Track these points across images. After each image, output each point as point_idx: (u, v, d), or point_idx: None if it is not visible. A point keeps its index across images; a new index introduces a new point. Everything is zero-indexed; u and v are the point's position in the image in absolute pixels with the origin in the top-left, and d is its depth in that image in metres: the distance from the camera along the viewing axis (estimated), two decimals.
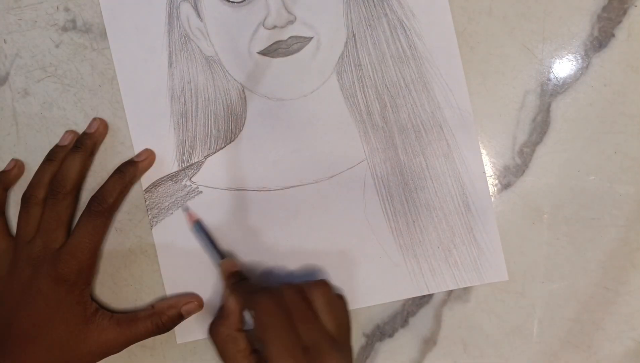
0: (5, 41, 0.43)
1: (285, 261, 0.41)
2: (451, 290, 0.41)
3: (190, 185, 0.41)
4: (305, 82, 0.41)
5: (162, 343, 0.42)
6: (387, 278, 0.40)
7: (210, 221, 0.41)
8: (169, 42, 0.41)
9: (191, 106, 0.41)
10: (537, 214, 0.40)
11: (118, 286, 0.42)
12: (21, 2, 0.43)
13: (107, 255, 0.42)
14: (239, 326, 0.36)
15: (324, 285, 0.36)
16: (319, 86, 0.41)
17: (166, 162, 0.41)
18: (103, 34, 0.42)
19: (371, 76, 0.40)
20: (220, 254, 0.40)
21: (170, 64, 0.41)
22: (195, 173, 0.41)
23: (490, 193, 0.41)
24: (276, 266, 0.41)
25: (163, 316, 0.40)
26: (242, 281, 0.38)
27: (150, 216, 0.41)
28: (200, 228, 0.40)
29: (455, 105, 0.40)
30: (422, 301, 0.41)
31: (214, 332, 0.36)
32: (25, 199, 0.40)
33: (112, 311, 0.40)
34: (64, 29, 0.42)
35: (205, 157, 0.41)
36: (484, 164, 0.40)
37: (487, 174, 0.41)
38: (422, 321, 0.41)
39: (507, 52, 0.40)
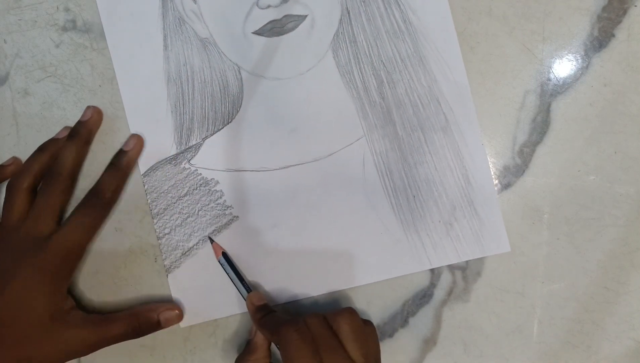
0: (5, 41, 0.43)
1: (285, 241, 0.41)
2: (451, 290, 0.41)
3: (189, 168, 0.41)
4: (301, 60, 0.41)
5: (162, 343, 0.42)
6: (389, 254, 0.40)
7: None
8: (164, 26, 0.41)
9: (188, 89, 0.41)
10: (537, 214, 0.40)
11: (118, 286, 0.42)
12: (21, 2, 0.43)
13: (107, 255, 0.42)
14: (267, 360, 0.37)
15: (350, 313, 0.35)
16: (315, 64, 0.41)
17: (164, 145, 0.41)
18: (103, 34, 0.42)
19: (367, 52, 0.40)
20: (246, 287, 0.40)
21: (165, 47, 0.41)
22: (194, 155, 0.41)
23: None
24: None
25: (140, 318, 0.39)
26: (269, 315, 0.37)
27: (149, 201, 0.41)
28: (226, 260, 0.40)
29: (451, 78, 0.40)
30: (422, 301, 0.41)
31: None
32: (9, 186, 0.39)
33: (87, 313, 0.40)
34: (64, 29, 0.42)
35: (203, 139, 0.41)
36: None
37: None
38: (422, 321, 0.41)
39: (507, 52, 0.40)
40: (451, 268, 0.41)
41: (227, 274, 0.40)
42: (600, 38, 0.40)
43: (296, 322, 0.34)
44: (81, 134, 0.40)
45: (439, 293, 0.41)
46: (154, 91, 0.41)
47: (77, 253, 0.39)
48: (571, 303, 0.40)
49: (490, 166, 0.41)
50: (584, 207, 0.40)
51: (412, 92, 0.40)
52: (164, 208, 0.41)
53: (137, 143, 0.41)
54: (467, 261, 0.41)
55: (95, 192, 0.39)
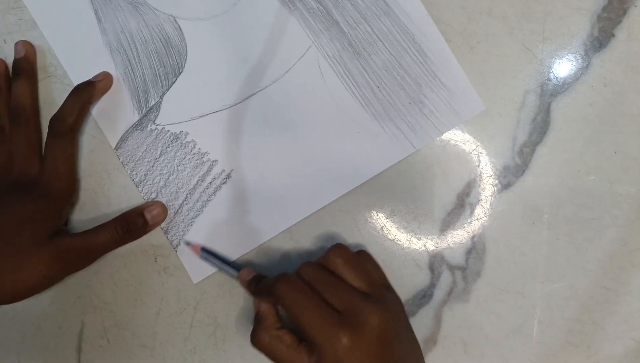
0: (5, 41, 0.43)
1: (269, 169, 0.41)
2: (451, 290, 0.41)
3: (156, 128, 0.42)
4: None
5: (162, 343, 0.42)
6: (371, 150, 0.41)
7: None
8: (91, 0, 0.42)
9: (132, 53, 0.42)
10: (537, 214, 0.40)
11: (118, 287, 0.42)
12: (21, 2, 0.43)
13: (107, 255, 0.42)
14: (278, 325, 0.36)
15: (339, 247, 0.35)
16: None
17: (126, 114, 0.42)
18: None
19: None
20: (235, 268, 0.40)
21: (99, 20, 0.42)
22: (157, 114, 0.42)
23: (490, 193, 0.41)
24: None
25: (127, 219, 0.40)
26: (261, 281, 0.37)
27: (128, 171, 0.41)
28: (207, 253, 0.40)
29: None
30: (422, 301, 0.41)
31: (256, 340, 0.36)
32: None
33: None
34: None
35: (161, 96, 0.42)
36: (485, 164, 0.41)
37: (487, 174, 0.41)
38: (422, 321, 0.41)
39: (507, 52, 0.40)
40: (451, 268, 0.41)
41: (214, 264, 0.40)
42: (600, 38, 0.40)
43: (284, 275, 0.34)
44: (25, 70, 0.41)
45: (439, 293, 0.41)
46: (100, 65, 0.42)
47: (69, 179, 0.40)
48: (571, 303, 0.40)
49: (490, 166, 0.41)
50: (584, 207, 0.40)
51: None
52: (144, 174, 0.42)
53: (105, 77, 0.41)
54: (467, 261, 0.41)
55: (58, 119, 0.39)
